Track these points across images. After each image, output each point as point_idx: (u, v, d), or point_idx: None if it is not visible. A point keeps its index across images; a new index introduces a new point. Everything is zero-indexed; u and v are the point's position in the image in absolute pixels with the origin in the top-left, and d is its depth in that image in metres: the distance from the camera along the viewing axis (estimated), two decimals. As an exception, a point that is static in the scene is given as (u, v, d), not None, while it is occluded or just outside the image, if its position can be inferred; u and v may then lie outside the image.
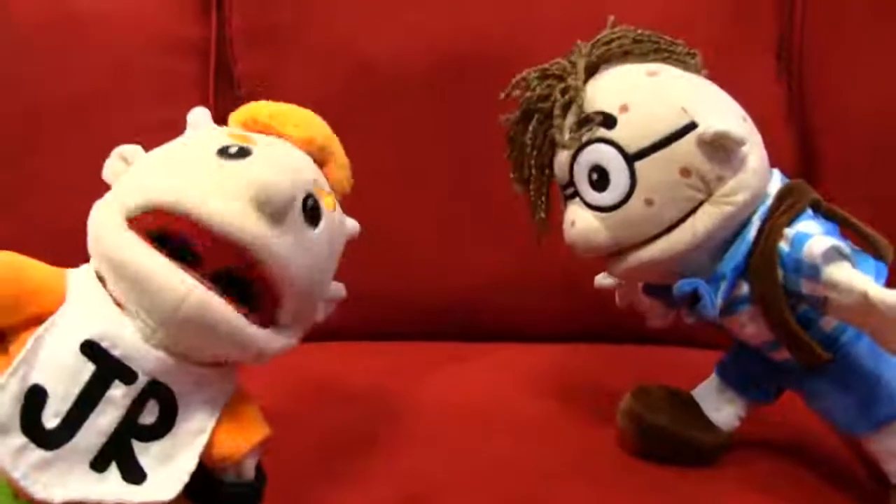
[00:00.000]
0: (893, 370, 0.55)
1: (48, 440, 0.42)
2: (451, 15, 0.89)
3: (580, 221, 0.56)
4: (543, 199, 0.60)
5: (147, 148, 0.51)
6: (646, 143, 0.53)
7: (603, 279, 0.67)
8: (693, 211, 0.54)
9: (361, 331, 0.87)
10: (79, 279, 0.46)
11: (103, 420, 0.44)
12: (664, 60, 0.58)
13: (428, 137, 0.89)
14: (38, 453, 0.42)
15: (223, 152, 0.47)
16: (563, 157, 0.57)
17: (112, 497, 0.43)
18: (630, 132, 0.54)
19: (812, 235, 0.52)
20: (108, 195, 0.48)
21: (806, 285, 0.52)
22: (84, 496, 0.43)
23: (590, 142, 0.55)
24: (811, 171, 0.89)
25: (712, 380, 0.64)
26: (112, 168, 0.49)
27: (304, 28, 0.92)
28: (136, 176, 0.48)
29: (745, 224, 0.55)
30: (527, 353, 0.83)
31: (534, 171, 0.59)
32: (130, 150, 0.50)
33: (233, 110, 0.92)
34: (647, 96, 0.55)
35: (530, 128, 0.59)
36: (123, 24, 0.92)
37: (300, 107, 0.56)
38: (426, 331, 0.87)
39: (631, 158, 0.54)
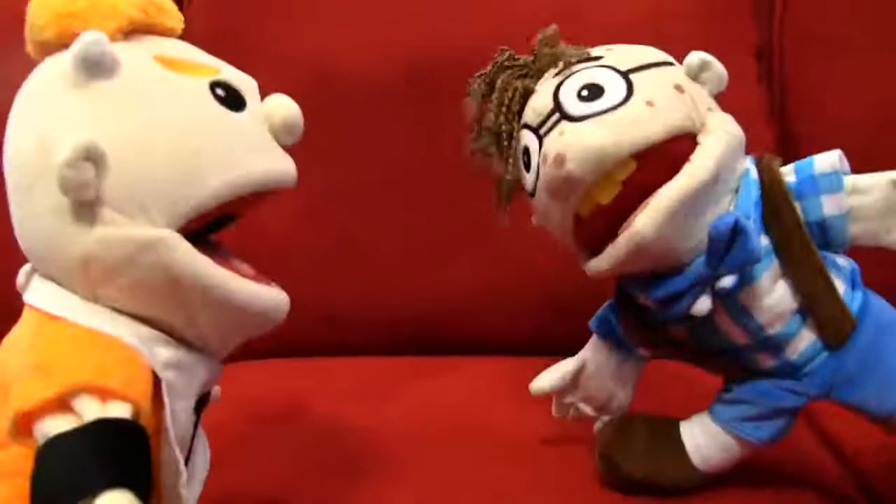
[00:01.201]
0: None
1: None
2: (416, 26, 0.88)
3: (572, 131, 0.49)
4: (508, 176, 0.55)
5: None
6: (636, 63, 0.52)
7: (541, 382, 0.62)
8: (693, 134, 0.50)
9: (331, 346, 0.86)
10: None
11: None
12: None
13: (395, 149, 0.87)
14: None
15: (221, 100, 0.44)
16: (545, 88, 0.53)
17: None
18: (619, 60, 0.53)
19: (814, 158, 0.51)
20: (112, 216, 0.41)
21: (828, 202, 0.51)
22: None
23: (577, 71, 0.53)
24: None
25: (706, 422, 0.57)
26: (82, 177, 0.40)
27: (269, 39, 0.91)
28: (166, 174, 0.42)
29: (742, 174, 0.52)
30: (500, 367, 0.80)
31: (504, 126, 0.54)
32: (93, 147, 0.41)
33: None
34: (626, 47, 0.55)
35: (499, 82, 0.55)
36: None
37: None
38: (397, 345, 0.85)
39: (626, 73, 0.51)
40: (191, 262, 0.41)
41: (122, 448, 0.37)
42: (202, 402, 0.46)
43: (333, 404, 0.73)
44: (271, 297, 0.45)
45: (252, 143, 0.45)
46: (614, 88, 0.50)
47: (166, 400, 0.41)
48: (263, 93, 0.86)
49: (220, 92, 0.44)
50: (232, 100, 0.45)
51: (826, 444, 0.65)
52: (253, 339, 0.89)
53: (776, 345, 0.53)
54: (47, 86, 0.43)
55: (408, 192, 0.87)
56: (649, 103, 0.50)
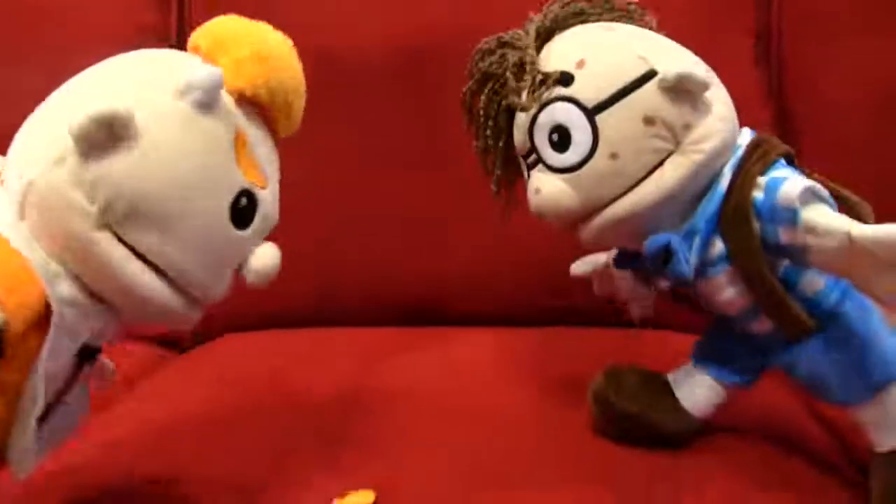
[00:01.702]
0: (878, 335, 0.53)
1: None
2: (414, 5, 0.89)
3: (545, 187, 0.54)
4: (498, 170, 0.58)
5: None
6: (604, 95, 0.52)
7: (579, 267, 0.65)
8: (661, 163, 0.52)
9: (330, 318, 0.87)
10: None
11: None
12: (619, 20, 0.57)
13: (392, 126, 0.88)
14: None
15: (235, 208, 0.46)
16: (521, 122, 0.55)
17: None
18: (588, 86, 0.52)
19: (786, 179, 0.50)
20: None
21: (784, 233, 0.50)
22: None
23: (547, 102, 0.53)
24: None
25: (688, 365, 0.61)
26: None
27: (268, 15, 0.89)
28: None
29: (716, 177, 0.53)
30: (499, 338, 0.81)
31: (490, 141, 0.58)
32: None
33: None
34: (604, 49, 0.54)
35: (483, 95, 0.57)
36: (81, 15, 0.91)
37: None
38: (396, 317, 0.86)
39: (591, 112, 0.52)
40: (107, 243, 0.42)
41: None
42: (91, 353, 0.46)
43: (330, 374, 0.74)
44: (173, 304, 0.45)
45: (212, 261, 0.46)
46: (580, 135, 0.52)
47: (51, 331, 0.41)
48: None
49: (242, 201, 0.46)
50: (242, 215, 0.46)
51: (816, 417, 0.67)
52: (252, 310, 0.92)
53: (743, 323, 0.56)
54: (163, 67, 0.45)
55: (406, 168, 0.88)
56: (613, 156, 0.52)
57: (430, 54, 0.85)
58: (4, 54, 0.90)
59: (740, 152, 0.53)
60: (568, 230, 0.56)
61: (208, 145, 0.44)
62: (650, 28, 0.57)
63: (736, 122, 0.54)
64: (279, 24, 0.87)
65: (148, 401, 0.72)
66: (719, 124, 0.52)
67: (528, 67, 0.54)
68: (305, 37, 0.87)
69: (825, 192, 0.50)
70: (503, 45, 0.57)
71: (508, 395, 0.68)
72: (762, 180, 0.51)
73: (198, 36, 0.48)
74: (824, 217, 0.48)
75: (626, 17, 0.57)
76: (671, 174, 0.51)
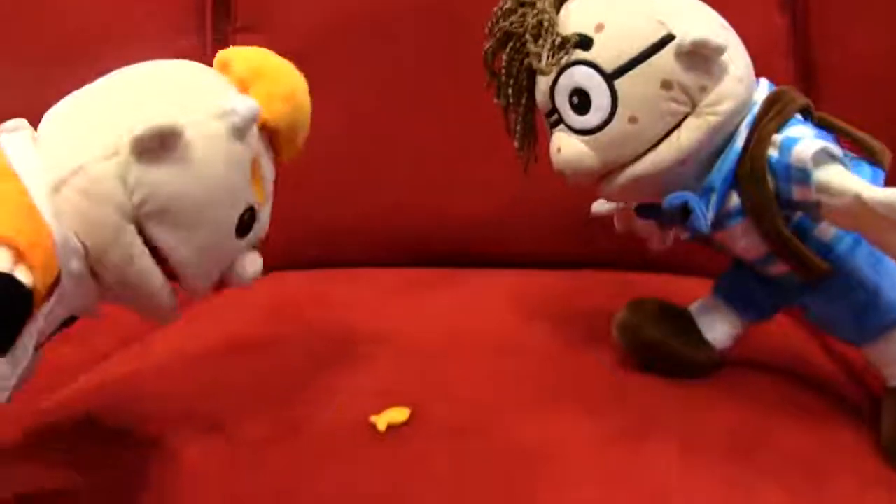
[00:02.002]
0: (890, 278, 0.55)
1: None
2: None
3: (566, 147, 0.56)
4: (520, 127, 0.60)
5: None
6: (623, 59, 0.53)
7: (600, 206, 0.67)
8: (679, 125, 0.53)
9: (356, 258, 0.89)
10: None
11: None
12: None
13: (423, 68, 0.89)
14: None
15: (241, 220, 0.51)
16: (542, 84, 0.57)
17: None
18: (607, 51, 0.53)
19: (801, 139, 0.51)
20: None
21: (797, 191, 0.51)
22: None
23: (568, 65, 0.55)
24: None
25: (709, 297, 0.64)
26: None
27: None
28: None
29: (733, 134, 0.54)
30: (522, 279, 0.83)
31: (511, 99, 0.59)
32: None
33: (230, 40, 0.94)
34: (622, 12, 0.54)
35: (505, 55, 0.58)
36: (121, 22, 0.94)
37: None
38: (420, 257, 0.88)
39: (610, 77, 0.53)
40: (132, 239, 0.47)
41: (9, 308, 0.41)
42: (71, 320, 0.50)
43: (356, 309, 0.76)
44: (165, 296, 0.50)
45: (213, 261, 0.52)
46: (600, 99, 0.54)
47: (51, 300, 0.44)
48: (294, 10, 0.91)
49: (246, 217, 0.52)
50: (244, 227, 0.52)
51: (831, 354, 0.68)
52: (273, 250, 0.94)
53: (759, 267, 0.58)
54: (206, 85, 0.51)
55: (421, 111, 0.89)
56: (632, 119, 0.53)
57: None
58: (46, 61, 0.93)
59: (756, 109, 0.54)
60: (588, 185, 0.58)
61: (234, 165, 0.50)
62: None
63: (752, 80, 0.55)
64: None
65: (181, 331, 0.73)
66: (735, 86, 0.53)
67: (547, 30, 0.55)
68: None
69: (839, 151, 0.51)
70: (523, 3, 0.57)
71: (532, 330, 0.70)
72: (777, 138, 0.52)
73: (232, 58, 0.53)
74: (837, 177, 0.50)
75: None
76: (687, 136, 0.53)
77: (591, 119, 0.54)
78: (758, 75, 0.57)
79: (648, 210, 0.60)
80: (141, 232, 0.47)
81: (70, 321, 0.50)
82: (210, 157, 0.48)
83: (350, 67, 0.90)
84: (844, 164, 0.51)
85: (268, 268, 0.89)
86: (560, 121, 0.56)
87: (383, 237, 0.90)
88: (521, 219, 0.88)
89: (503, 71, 0.58)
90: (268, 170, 0.54)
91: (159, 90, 0.49)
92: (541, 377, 0.62)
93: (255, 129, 0.51)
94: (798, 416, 0.57)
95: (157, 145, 0.45)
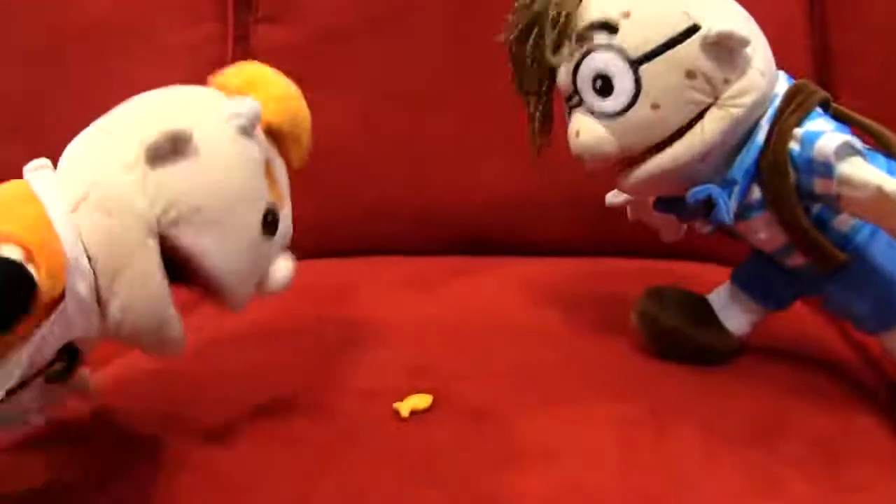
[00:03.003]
0: None
1: None
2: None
3: (585, 130, 0.56)
4: (539, 113, 0.60)
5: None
6: (649, 47, 0.53)
7: (614, 197, 0.68)
8: (700, 115, 0.54)
9: (376, 246, 0.90)
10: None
11: None
12: None
13: (441, 57, 0.90)
14: None
15: (265, 223, 0.52)
16: (565, 67, 0.57)
17: None
18: (632, 37, 0.54)
19: (823, 133, 0.52)
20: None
21: (819, 184, 0.52)
22: None
23: (592, 49, 0.55)
24: (828, 89, 0.86)
25: (728, 285, 0.64)
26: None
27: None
28: None
29: (754, 128, 0.55)
30: (541, 266, 0.84)
31: (533, 87, 0.59)
32: None
33: (252, 31, 0.95)
34: (649, 1, 0.55)
35: (529, 42, 0.58)
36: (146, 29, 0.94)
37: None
38: (439, 245, 0.89)
39: (635, 63, 0.54)
40: (152, 258, 0.47)
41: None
42: (73, 355, 0.48)
43: (376, 297, 0.77)
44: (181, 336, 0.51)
45: (245, 265, 0.52)
46: (623, 84, 0.54)
47: (50, 320, 0.44)
48: (319, 2, 0.91)
49: (269, 217, 0.52)
50: (269, 228, 0.52)
51: (850, 342, 0.68)
52: (301, 238, 0.95)
53: (779, 257, 0.59)
54: (210, 98, 0.52)
55: (453, 101, 0.89)
56: (654, 106, 0.54)
57: None
58: (66, 50, 0.94)
59: (777, 102, 0.55)
60: (605, 172, 0.59)
61: (248, 164, 0.51)
62: None
63: (774, 73, 0.56)
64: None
65: (205, 319, 0.73)
66: (758, 79, 0.54)
67: (568, 20, 0.56)
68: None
69: (860, 145, 0.51)
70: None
71: (552, 317, 0.71)
72: (799, 132, 0.53)
73: (227, 77, 0.55)
74: (859, 170, 0.50)
75: None
76: (710, 127, 0.53)
77: (613, 104, 0.55)
78: (776, 61, 0.57)
79: (667, 204, 0.60)
80: (166, 249, 0.47)
81: (70, 355, 0.49)
82: (224, 157, 0.49)
83: (370, 58, 0.91)
84: (865, 158, 0.51)
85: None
86: (580, 103, 0.57)
87: (404, 225, 0.91)
88: (540, 207, 0.88)
89: (527, 58, 0.59)
90: (280, 172, 0.55)
91: (167, 105, 0.51)
92: (561, 364, 0.63)
93: (260, 131, 0.52)
94: (817, 402, 0.57)
95: (170, 150, 0.46)
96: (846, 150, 0.51)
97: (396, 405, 0.55)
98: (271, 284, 0.54)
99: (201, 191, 0.48)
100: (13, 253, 0.41)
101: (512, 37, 0.60)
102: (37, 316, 0.42)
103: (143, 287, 0.47)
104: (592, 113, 0.56)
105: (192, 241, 0.48)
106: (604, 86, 0.55)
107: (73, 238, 0.45)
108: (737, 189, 0.55)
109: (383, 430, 0.54)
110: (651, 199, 0.62)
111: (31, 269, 0.41)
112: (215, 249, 0.49)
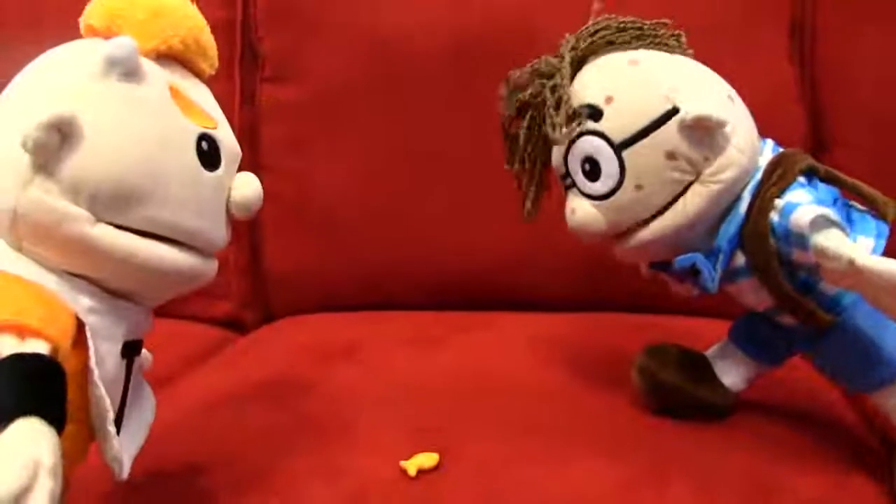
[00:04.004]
0: (893, 332, 0.57)
1: None
2: (465, 1, 0.92)
3: (579, 210, 0.59)
4: (533, 189, 0.63)
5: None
6: (631, 131, 0.56)
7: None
8: (684, 191, 0.56)
9: (379, 301, 0.91)
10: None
11: None
12: (647, 46, 0.60)
13: (443, 117, 0.92)
14: None
15: (201, 153, 0.47)
16: (557, 150, 0.60)
17: None
18: (615, 123, 0.57)
19: (800, 204, 0.54)
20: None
21: (797, 254, 0.54)
22: None
23: (580, 135, 0.58)
24: (821, 148, 0.91)
25: (725, 342, 0.66)
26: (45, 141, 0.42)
27: (327, 8, 0.95)
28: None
29: (737, 199, 0.57)
30: (541, 322, 0.85)
31: (527, 165, 0.63)
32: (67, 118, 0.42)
33: (258, 89, 0.97)
34: (630, 86, 0.57)
35: (524, 124, 0.61)
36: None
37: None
38: (441, 301, 0.90)
39: (618, 148, 0.56)
40: (109, 234, 0.44)
41: (36, 381, 0.38)
42: (132, 348, 0.48)
43: (380, 353, 0.78)
44: (189, 263, 0.48)
45: (203, 208, 0.48)
46: (609, 168, 0.57)
47: (90, 342, 0.42)
48: (320, 62, 0.93)
49: (203, 145, 0.47)
50: (209, 157, 0.48)
51: (846, 397, 0.70)
52: (307, 294, 0.96)
53: (770, 316, 0.61)
54: (71, 59, 0.46)
55: (452, 158, 0.92)
56: (638, 187, 0.57)
57: (479, 48, 0.89)
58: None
59: (759, 175, 0.57)
60: (601, 242, 0.61)
61: (151, 109, 0.45)
62: (680, 51, 0.60)
63: (756, 148, 0.58)
64: (341, 15, 0.93)
65: (213, 375, 0.77)
66: (738, 156, 0.56)
67: (563, 103, 0.58)
68: (362, 28, 0.93)
69: (837, 217, 0.53)
70: (540, 75, 0.61)
71: (553, 373, 0.72)
72: (779, 203, 0.55)
73: (88, 18, 0.48)
74: (833, 242, 0.51)
75: (655, 42, 0.60)
76: (692, 202, 0.56)
77: (601, 186, 0.58)
78: (770, 121, 0.60)
79: (661, 266, 0.62)
80: (117, 226, 0.44)
81: (134, 348, 0.48)
82: (119, 118, 0.44)
83: (376, 116, 0.94)
84: (842, 229, 0.53)
85: (293, 312, 0.94)
86: (574, 184, 0.60)
87: (406, 281, 0.93)
88: (539, 264, 0.90)
89: (521, 139, 0.62)
90: (196, 92, 0.49)
91: (31, 91, 0.45)
92: (563, 421, 0.64)
93: (147, 63, 0.46)
94: (812, 460, 0.58)
95: (58, 140, 0.42)
96: (821, 223, 0.52)
97: (404, 464, 0.56)
98: (234, 208, 0.50)
99: (120, 162, 0.43)
100: (41, 348, 0.40)
101: (506, 116, 0.62)
102: (69, 362, 0.41)
103: (127, 263, 0.44)
104: (584, 195, 0.59)
105: (135, 216, 0.44)
106: (592, 169, 0.58)
107: (40, 272, 0.43)
108: (721, 257, 0.57)
109: (392, 489, 0.55)
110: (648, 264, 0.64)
111: (40, 343, 0.39)
112: (167, 213, 0.45)
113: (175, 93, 0.47)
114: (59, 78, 0.45)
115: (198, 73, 0.50)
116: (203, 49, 0.50)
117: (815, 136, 0.91)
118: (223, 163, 0.49)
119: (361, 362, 0.76)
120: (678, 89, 0.56)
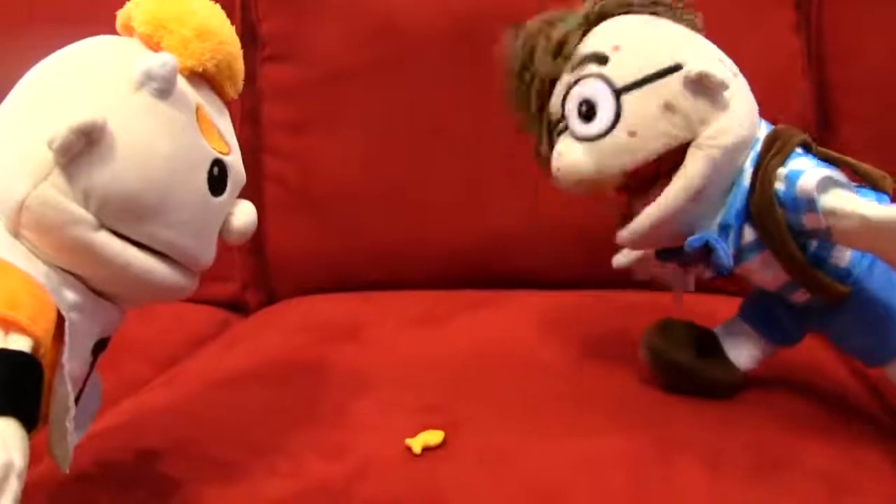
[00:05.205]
0: None
1: None
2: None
3: (566, 152, 0.58)
4: (543, 132, 0.62)
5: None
6: (633, 78, 0.56)
7: (621, 258, 0.70)
8: (676, 151, 0.56)
9: (384, 280, 0.91)
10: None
11: None
12: (663, 15, 0.60)
13: (445, 96, 0.92)
14: None
15: (210, 178, 0.48)
16: (558, 91, 0.60)
17: None
18: (620, 68, 0.56)
19: (804, 170, 0.53)
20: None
21: (807, 219, 0.53)
22: None
23: (582, 77, 0.57)
24: (827, 122, 0.90)
25: (734, 320, 0.65)
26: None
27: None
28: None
29: (738, 173, 0.56)
30: (549, 300, 0.85)
31: (534, 108, 0.61)
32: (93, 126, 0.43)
33: (258, 70, 0.97)
34: (640, 40, 0.58)
35: (531, 66, 0.60)
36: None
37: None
38: (446, 280, 0.90)
39: (619, 91, 0.56)
40: (109, 242, 0.45)
41: (16, 380, 0.39)
42: (100, 345, 0.48)
43: (385, 332, 0.78)
44: (176, 280, 0.49)
45: (202, 230, 0.49)
46: (605, 111, 0.56)
47: (67, 339, 0.43)
48: (320, 42, 0.93)
49: (215, 171, 0.48)
50: (217, 183, 0.49)
51: (855, 373, 0.69)
52: (310, 275, 0.96)
53: (782, 294, 0.60)
54: (109, 62, 0.47)
55: (455, 137, 0.91)
56: (631, 133, 0.56)
57: (483, 28, 0.85)
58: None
59: (759, 146, 0.57)
60: (584, 195, 0.60)
61: (176, 128, 0.46)
62: (693, 27, 0.60)
63: (755, 120, 0.58)
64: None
65: (217, 356, 0.77)
66: (735, 123, 0.55)
67: (570, 47, 0.58)
68: (367, 8, 0.92)
69: (842, 177, 0.53)
70: (551, 23, 0.61)
71: (560, 350, 0.72)
72: (782, 172, 0.55)
73: (132, 19, 0.49)
74: (842, 201, 0.52)
75: (670, 13, 0.60)
76: (692, 167, 0.55)
77: (594, 128, 0.57)
78: (776, 94, 0.60)
79: (669, 254, 0.61)
80: (118, 235, 0.45)
81: (103, 345, 0.49)
82: (145, 132, 0.45)
83: (376, 94, 0.93)
84: (849, 189, 0.53)
85: (296, 293, 0.93)
86: (566, 128, 0.59)
87: (411, 261, 0.93)
88: (545, 242, 0.90)
89: (529, 80, 0.61)
90: (218, 116, 0.50)
91: (66, 88, 0.45)
92: (570, 398, 0.64)
93: (180, 80, 0.47)
94: (823, 434, 0.58)
95: (84, 145, 0.42)
96: (828, 183, 0.52)
97: (409, 441, 0.56)
98: (232, 235, 0.51)
99: (135, 175, 0.44)
100: (24, 345, 0.40)
101: (515, 60, 0.62)
102: (46, 356, 0.41)
103: (119, 271, 0.45)
104: (574, 136, 0.58)
105: (138, 229, 0.45)
106: (588, 111, 0.57)
107: (31, 262, 0.44)
108: (731, 232, 0.56)
109: (396, 467, 0.55)
110: (654, 253, 0.64)
111: (22, 339, 0.40)
112: (168, 229, 0.46)
113: (199, 114, 0.48)
114: (95, 81, 0.45)
115: (221, 96, 0.52)
116: (233, 74, 0.51)
117: (820, 109, 0.90)
118: (228, 190, 0.50)
119: (366, 342, 0.76)
120: (684, 51, 0.57)
